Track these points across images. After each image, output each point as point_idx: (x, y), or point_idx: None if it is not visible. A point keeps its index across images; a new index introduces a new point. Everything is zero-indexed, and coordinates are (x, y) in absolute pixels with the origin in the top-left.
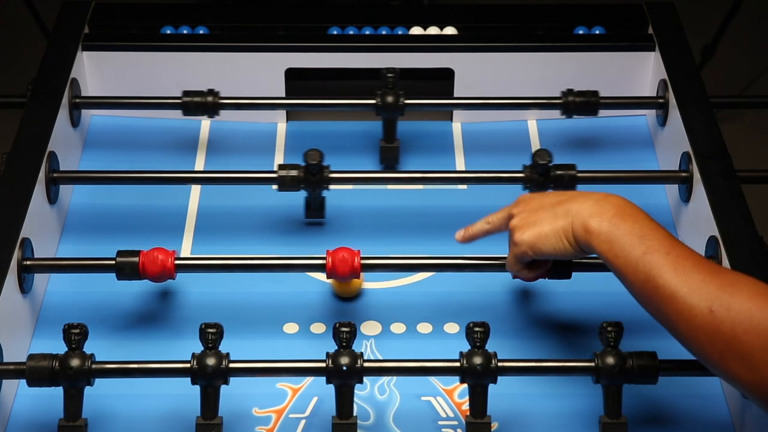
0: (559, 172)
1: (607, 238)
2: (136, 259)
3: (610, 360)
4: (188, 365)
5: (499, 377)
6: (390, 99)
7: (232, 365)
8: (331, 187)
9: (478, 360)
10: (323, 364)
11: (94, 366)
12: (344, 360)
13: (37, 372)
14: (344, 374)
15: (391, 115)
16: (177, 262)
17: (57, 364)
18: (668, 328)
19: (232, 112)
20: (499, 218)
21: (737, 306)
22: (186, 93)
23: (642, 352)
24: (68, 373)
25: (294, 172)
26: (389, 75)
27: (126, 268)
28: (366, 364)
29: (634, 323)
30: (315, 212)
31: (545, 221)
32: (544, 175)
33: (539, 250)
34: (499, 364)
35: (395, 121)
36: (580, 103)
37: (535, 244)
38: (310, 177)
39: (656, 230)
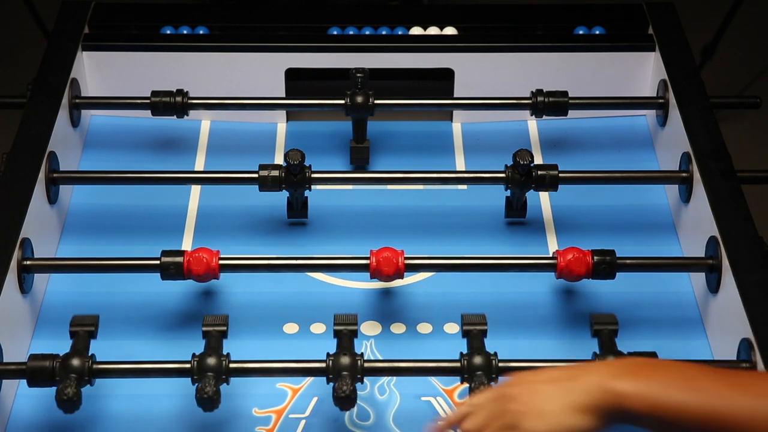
0: (540, 173)
1: (645, 393)
2: (180, 259)
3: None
4: (188, 365)
5: (499, 377)
6: (360, 99)
7: (232, 365)
8: (337, 187)
9: (478, 360)
10: (323, 365)
11: (94, 366)
12: (344, 361)
13: (37, 372)
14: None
15: (360, 114)
16: (221, 262)
17: (57, 365)
18: None
19: (232, 112)
20: (484, 400)
21: None
22: (155, 93)
23: (642, 353)
24: (69, 373)
25: (275, 173)
26: (358, 75)
27: (171, 268)
28: (366, 364)
29: (632, 323)
30: (298, 212)
31: (553, 398)
32: (526, 175)
33: None
34: (500, 364)
35: (365, 120)
36: (550, 103)
37: (544, 429)
38: (292, 177)
39: (688, 365)
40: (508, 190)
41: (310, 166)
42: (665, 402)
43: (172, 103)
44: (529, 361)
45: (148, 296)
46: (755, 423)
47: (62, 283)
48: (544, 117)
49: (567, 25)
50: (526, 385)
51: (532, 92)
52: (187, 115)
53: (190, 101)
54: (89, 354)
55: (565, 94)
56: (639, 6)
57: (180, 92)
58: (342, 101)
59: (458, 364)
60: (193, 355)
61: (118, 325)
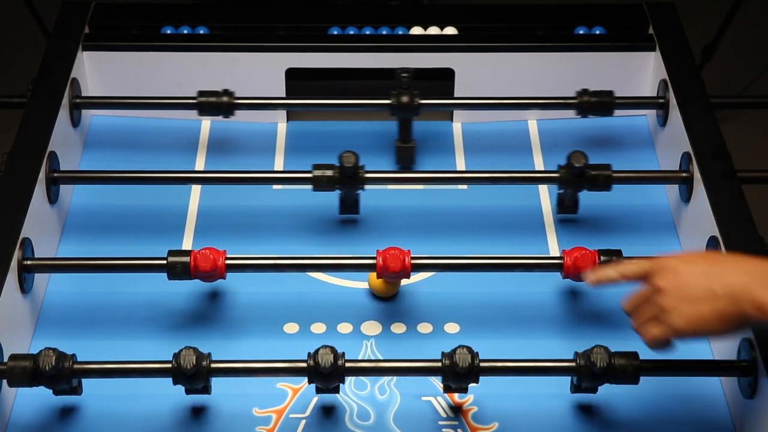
0: (593, 173)
1: None
2: (187, 258)
3: None
4: (169, 365)
5: (501, 378)
6: (405, 99)
7: (213, 365)
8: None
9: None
10: (304, 365)
11: (75, 366)
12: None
13: (17, 372)
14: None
15: (406, 115)
16: (228, 262)
17: (36, 365)
18: None
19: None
20: (634, 273)
21: None
22: (201, 93)
23: (624, 353)
24: (48, 374)
25: (329, 173)
26: (404, 75)
27: (177, 267)
28: (347, 364)
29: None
30: (349, 209)
31: (703, 301)
32: (579, 177)
33: (701, 335)
34: (482, 364)
35: (410, 121)
36: (595, 103)
37: (695, 330)
38: (345, 178)
39: None
40: (561, 190)
41: (363, 166)
42: None
43: (217, 103)
44: (510, 360)
45: (148, 296)
46: None
47: (62, 283)
48: (589, 116)
49: (567, 25)
50: (677, 280)
51: (577, 92)
52: (233, 115)
53: (235, 101)
54: (69, 354)
55: (610, 93)
56: (639, 6)
57: (226, 92)
58: (387, 101)
59: (440, 364)
60: (174, 354)
61: (119, 325)
